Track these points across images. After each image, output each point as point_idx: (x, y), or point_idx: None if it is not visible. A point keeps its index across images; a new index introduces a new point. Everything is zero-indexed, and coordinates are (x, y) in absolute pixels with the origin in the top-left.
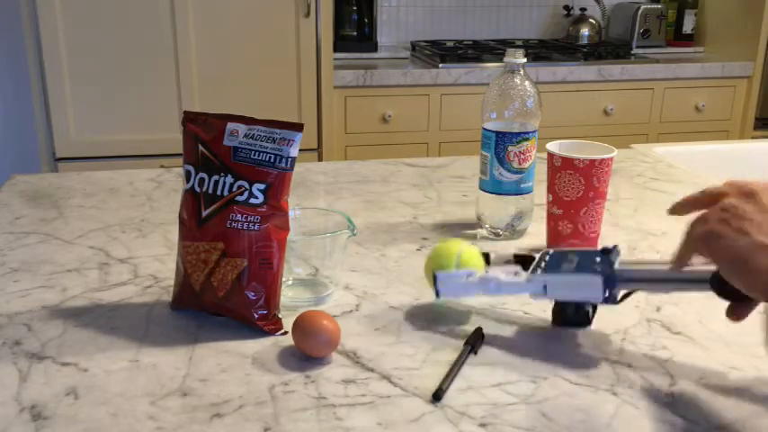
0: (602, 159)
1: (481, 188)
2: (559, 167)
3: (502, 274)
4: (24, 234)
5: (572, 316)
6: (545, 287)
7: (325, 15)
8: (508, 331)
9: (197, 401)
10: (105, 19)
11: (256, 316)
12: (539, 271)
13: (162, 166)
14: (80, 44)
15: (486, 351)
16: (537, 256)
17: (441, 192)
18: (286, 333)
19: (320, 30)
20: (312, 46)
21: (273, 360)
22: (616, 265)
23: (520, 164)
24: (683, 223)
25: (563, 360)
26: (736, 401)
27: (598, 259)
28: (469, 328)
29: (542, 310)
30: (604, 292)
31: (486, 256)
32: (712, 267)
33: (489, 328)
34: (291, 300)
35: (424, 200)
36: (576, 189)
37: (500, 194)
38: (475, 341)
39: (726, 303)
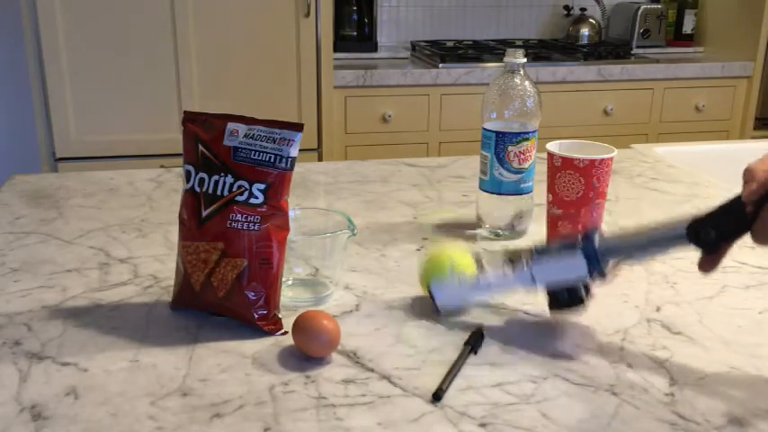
0: (602, 159)
1: (481, 188)
2: (559, 167)
3: (492, 276)
4: (24, 234)
5: (566, 300)
6: (533, 278)
7: (325, 15)
8: (508, 331)
9: (197, 401)
10: (105, 19)
11: (256, 316)
12: (524, 265)
13: (162, 166)
14: (80, 44)
15: (486, 351)
16: (523, 254)
17: (441, 192)
18: (286, 333)
19: (320, 30)
20: (312, 46)
21: (273, 360)
22: (596, 242)
23: (520, 164)
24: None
25: (563, 360)
26: (736, 401)
27: (577, 241)
28: (469, 328)
29: (542, 310)
30: (589, 268)
31: (479, 262)
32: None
33: (489, 328)
34: (291, 300)
35: (424, 200)
36: (576, 189)
37: (500, 194)
38: (475, 341)
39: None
